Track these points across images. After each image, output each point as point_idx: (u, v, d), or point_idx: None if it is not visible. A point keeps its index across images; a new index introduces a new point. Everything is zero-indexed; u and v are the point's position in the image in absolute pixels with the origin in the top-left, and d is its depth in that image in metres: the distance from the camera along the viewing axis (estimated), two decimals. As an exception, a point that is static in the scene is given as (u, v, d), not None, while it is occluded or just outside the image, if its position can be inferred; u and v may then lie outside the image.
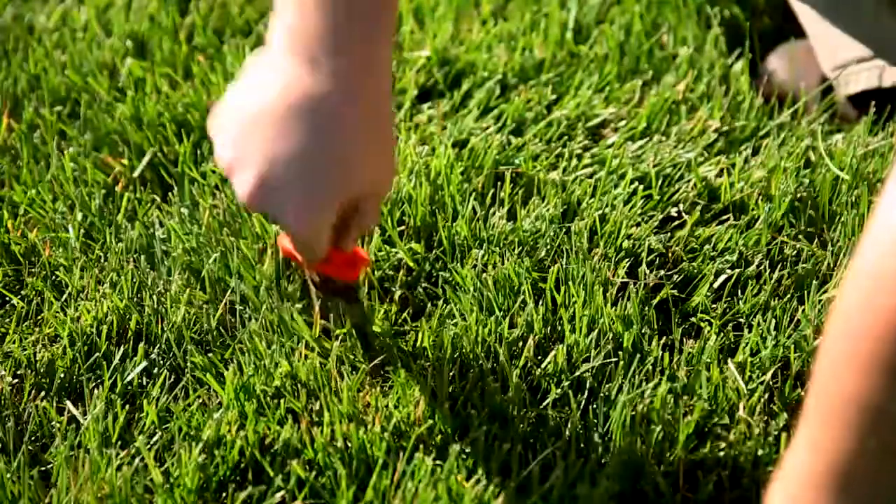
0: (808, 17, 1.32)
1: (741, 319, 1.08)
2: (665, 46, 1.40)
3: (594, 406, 1.01)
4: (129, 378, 1.05)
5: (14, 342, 1.09)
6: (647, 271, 1.10)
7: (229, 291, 1.11)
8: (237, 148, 0.84)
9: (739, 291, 1.11)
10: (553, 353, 1.03)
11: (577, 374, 1.03)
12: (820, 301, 1.08)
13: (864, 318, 0.67)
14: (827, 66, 1.31)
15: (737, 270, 1.11)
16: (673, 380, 1.02)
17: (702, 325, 1.08)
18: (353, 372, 1.03)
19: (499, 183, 1.22)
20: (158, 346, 1.08)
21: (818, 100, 1.32)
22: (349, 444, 0.98)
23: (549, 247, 1.14)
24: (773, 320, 1.06)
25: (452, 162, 1.21)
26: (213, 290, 1.11)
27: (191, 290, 1.11)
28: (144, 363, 1.06)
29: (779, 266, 1.12)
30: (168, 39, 1.42)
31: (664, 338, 1.06)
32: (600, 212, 1.17)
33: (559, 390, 1.02)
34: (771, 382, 1.02)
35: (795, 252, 1.14)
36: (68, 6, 1.51)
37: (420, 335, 1.06)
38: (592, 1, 1.45)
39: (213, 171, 1.24)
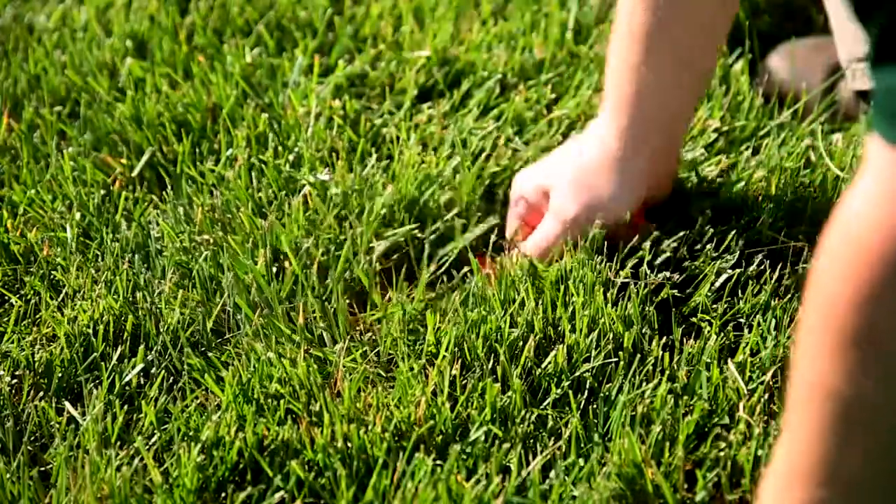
0: (833, 4, 1.31)
1: (741, 319, 1.08)
2: (665, 46, 1.40)
3: (594, 406, 1.01)
4: (127, 379, 1.05)
5: (12, 342, 1.09)
6: (648, 271, 1.10)
7: (224, 293, 1.10)
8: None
9: (739, 291, 1.10)
10: (553, 353, 1.03)
11: (577, 374, 1.02)
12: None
13: (819, 306, 0.70)
14: (843, 57, 1.30)
15: (737, 270, 1.11)
16: (673, 380, 1.02)
17: (702, 325, 1.08)
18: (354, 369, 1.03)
19: (498, 182, 1.23)
20: (155, 347, 1.08)
21: (819, 99, 1.32)
22: (349, 445, 0.97)
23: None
24: (773, 320, 1.06)
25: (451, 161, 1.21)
26: (205, 291, 1.11)
27: (184, 291, 1.11)
28: (142, 364, 1.06)
29: (779, 266, 1.12)
30: (168, 39, 1.42)
31: (664, 338, 1.06)
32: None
33: (559, 390, 1.01)
34: (771, 382, 1.02)
35: (795, 252, 1.13)
36: (68, 6, 1.51)
37: (424, 334, 1.06)
38: (592, 1, 1.45)
39: (212, 171, 1.24)
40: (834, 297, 0.69)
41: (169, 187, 1.24)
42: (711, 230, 1.16)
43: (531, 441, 0.99)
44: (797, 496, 0.75)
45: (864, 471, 0.73)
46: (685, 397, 1.00)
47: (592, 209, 1.11)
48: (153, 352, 1.07)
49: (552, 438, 0.99)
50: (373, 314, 1.10)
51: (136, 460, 0.97)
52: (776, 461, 0.77)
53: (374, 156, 1.26)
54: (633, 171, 1.12)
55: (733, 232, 1.15)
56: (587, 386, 1.02)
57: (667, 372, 1.02)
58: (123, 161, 1.27)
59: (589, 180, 1.12)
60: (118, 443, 1.00)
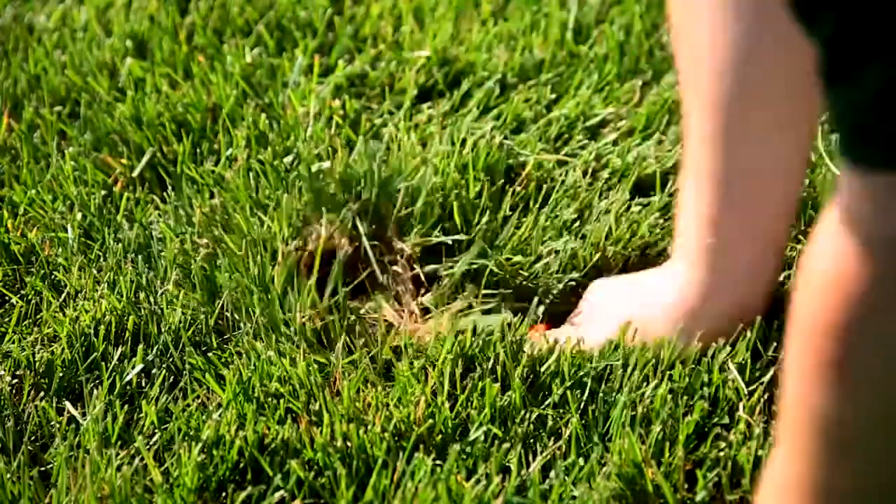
0: None
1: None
2: (665, 46, 1.40)
3: (594, 406, 1.01)
4: (127, 378, 1.05)
5: (13, 342, 1.09)
6: (647, 271, 1.10)
7: (226, 292, 1.10)
8: None
9: (739, 291, 1.10)
10: (553, 353, 1.03)
11: (578, 374, 1.02)
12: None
13: (800, 331, 0.71)
14: None
15: (737, 270, 1.11)
16: (673, 380, 1.02)
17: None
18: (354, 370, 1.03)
19: (498, 182, 1.23)
20: (157, 346, 1.08)
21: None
22: (349, 444, 0.98)
23: (549, 246, 1.14)
24: (774, 320, 1.06)
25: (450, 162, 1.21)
26: (205, 292, 1.11)
27: (186, 290, 1.11)
28: (142, 364, 1.06)
29: (779, 266, 1.12)
30: (168, 39, 1.42)
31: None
32: (600, 211, 1.17)
33: (559, 390, 1.01)
34: (771, 382, 1.02)
35: (795, 252, 1.13)
36: (68, 6, 1.51)
37: (424, 335, 1.06)
38: (592, 1, 1.45)
39: (212, 171, 1.24)
40: (811, 325, 0.69)
41: (170, 188, 1.24)
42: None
43: (531, 441, 0.99)
44: None
45: (856, 487, 0.73)
46: (685, 397, 1.00)
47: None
48: (154, 351, 1.07)
49: (552, 438, 0.99)
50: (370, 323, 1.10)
51: (137, 460, 0.97)
52: (772, 469, 0.77)
53: (363, 140, 1.26)
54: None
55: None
56: (587, 386, 1.02)
57: (667, 372, 1.02)
58: (124, 161, 1.27)
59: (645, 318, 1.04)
60: (119, 442, 1.00)
